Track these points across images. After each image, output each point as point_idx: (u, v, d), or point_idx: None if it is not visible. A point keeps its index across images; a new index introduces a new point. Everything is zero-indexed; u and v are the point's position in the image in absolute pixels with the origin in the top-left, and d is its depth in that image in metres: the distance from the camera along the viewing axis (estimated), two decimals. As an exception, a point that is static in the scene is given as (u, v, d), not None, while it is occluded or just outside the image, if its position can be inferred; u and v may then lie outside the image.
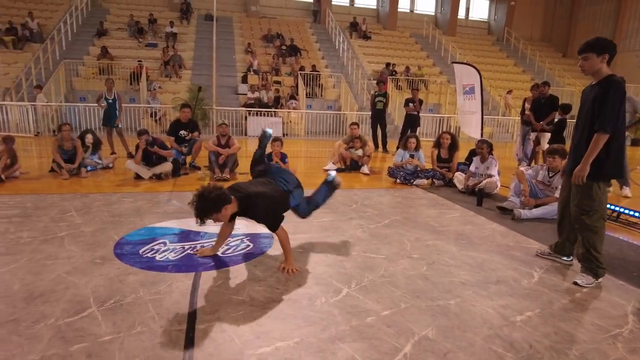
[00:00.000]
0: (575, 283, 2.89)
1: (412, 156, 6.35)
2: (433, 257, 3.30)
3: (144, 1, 19.46)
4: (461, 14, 23.14)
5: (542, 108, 7.55)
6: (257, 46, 17.61)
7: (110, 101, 7.98)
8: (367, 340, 2.12)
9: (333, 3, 20.95)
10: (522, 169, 5.14)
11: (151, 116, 12.80)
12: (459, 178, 5.94)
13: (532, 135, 7.89)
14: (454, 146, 6.36)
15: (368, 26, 20.49)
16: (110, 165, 6.97)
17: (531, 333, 2.24)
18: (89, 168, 6.38)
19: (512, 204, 4.78)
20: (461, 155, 6.62)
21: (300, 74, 14.96)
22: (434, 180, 6.21)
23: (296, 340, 2.09)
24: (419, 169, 6.33)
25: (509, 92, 16.25)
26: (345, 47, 17.79)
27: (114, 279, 2.70)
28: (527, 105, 8.29)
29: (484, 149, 5.62)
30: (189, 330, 2.14)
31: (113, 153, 7.83)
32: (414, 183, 6.15)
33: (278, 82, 15.41)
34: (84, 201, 4.63)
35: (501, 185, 5.73)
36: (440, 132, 7.02)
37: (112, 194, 5.08)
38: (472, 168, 5.80)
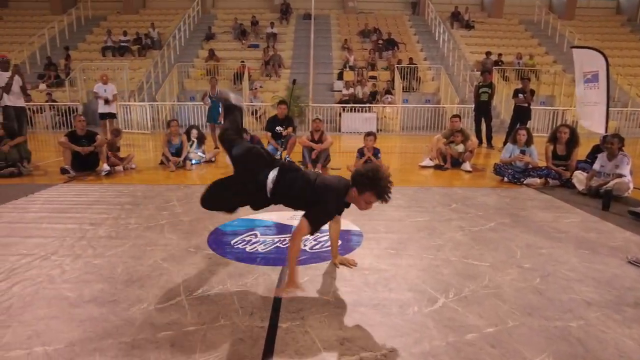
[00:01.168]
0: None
1: (522, 152, 5.66)
2: (548, 268, 2.83)
3: (247, 4, 20.53)
4: (582, -6, 20.54)
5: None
6: (354, 42, 17.52)
7: (214, 99, 8.46)
8: (467, 360, 1.82)
9: (433, -7, 20.03)
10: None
11: (252, 114, 13.41)
12: (579, 177, 5.16)
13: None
14: (573, 141, 5.55)
15: (471, 15, 19.19)
16: (213, 159, 7.38)
17: (690, 376, 1.74)
18: (193, 161, 6.81)
19: (652, 209, 3.98)
20: (581, 151, 5.76)
21: (397, 67, 14.51)
22: (548, 179, 5.48)
23: (383, 352, 1.87)
24: (530, 166, 5.64)
25: None
26: (445, 38, 16.86)
27: (204, 269, 2.74)
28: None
29: (614, 145, 4.79)
30: (271, 329, 2.04)
31: (216, 148, 8.29)
32: (525, 182, 5.49)
33: (374, 77, 15.15)
34: (186, 192, 4.91)
35: (634, 187, 4.85)
36: (557, 125, 6.18)
37: (212, 186, 5.32)
38: (596, 166, 5.00)
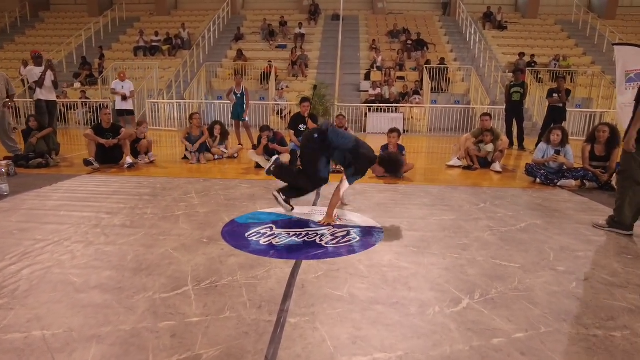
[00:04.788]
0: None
1: (557, 152, 5.34)
2: (586, 272, 2.58)
3: (276, 5, 20.64)
4: (625, -8, 19.61)
5: None
6: (382, 42, 17.31)
7: (239, 95, 8.44)
8: (493, 367, 1.63)
9: (465, -7, 19.57)
10: None
11: (277, 114, 13.39)
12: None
13: None
14: (613, 141, 5.17)
15: (504, 15, 18.64)
16: (236, 155, 7.35)
17: None
18: (215, 157, 6.80)
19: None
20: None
21: (426, 68, 14.20)
22: (584, 181, 5.14)
23: (399, 353, 1.70)
24: (565, 167, 5.31)
25: None
26: (477, 39, 16.42)
27: (215, 259, 2.63)
28: None
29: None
30: (279, 324, 1.90)
31: (240, 144, 8.27)
32: (559, 184, 5.16)
33: (402, 78, 14.89)
34: (205, 185, 4.85)
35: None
36: (597, 124, 5.80)
37: (232, 179, 5.25)
38: None
